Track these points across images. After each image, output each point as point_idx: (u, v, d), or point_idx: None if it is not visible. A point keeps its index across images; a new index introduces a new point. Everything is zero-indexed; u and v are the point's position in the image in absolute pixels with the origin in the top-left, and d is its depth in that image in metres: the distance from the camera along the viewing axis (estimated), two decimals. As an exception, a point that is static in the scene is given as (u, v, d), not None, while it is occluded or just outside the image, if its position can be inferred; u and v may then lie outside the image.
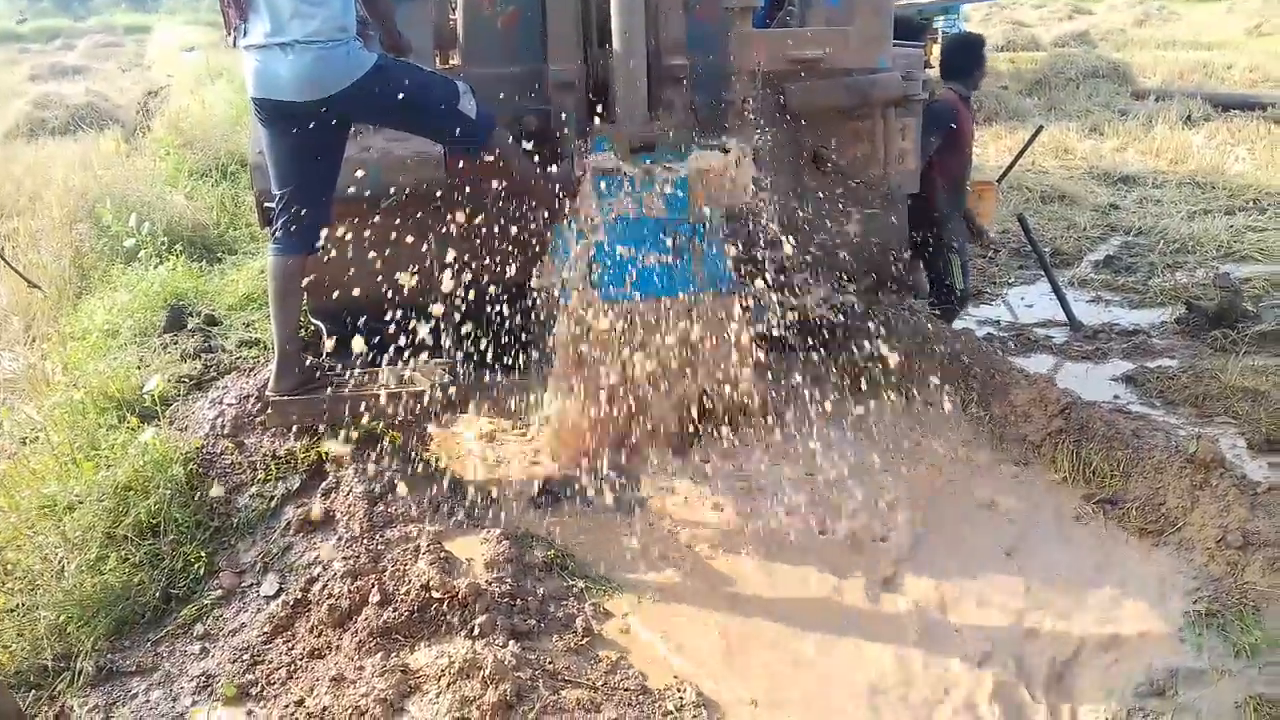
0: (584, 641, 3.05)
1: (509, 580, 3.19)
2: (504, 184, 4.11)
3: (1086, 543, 3.52)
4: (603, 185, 4.06)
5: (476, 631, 2.95)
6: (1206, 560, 3.26)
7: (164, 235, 6.38)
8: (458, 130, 3.75)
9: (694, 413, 4.21)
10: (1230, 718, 2.66)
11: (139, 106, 13.58)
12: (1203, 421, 4.60)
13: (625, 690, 2.85)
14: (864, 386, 4.73)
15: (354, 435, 3.84)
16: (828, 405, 4.59)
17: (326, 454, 3.83)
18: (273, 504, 3.70)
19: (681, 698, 2.84)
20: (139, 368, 4.57)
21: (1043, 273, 6.46)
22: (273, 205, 3.75)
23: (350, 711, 2.70)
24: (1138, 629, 3.07)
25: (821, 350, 4.89)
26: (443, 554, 3.25)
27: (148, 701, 3.01)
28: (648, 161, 4.09)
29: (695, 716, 2.78)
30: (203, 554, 3.49)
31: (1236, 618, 2.97)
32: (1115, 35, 20.97)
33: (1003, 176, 7.40)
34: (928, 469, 4.03)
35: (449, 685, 2.73)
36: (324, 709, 2.75)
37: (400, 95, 3.63)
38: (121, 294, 5.64)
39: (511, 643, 2.90)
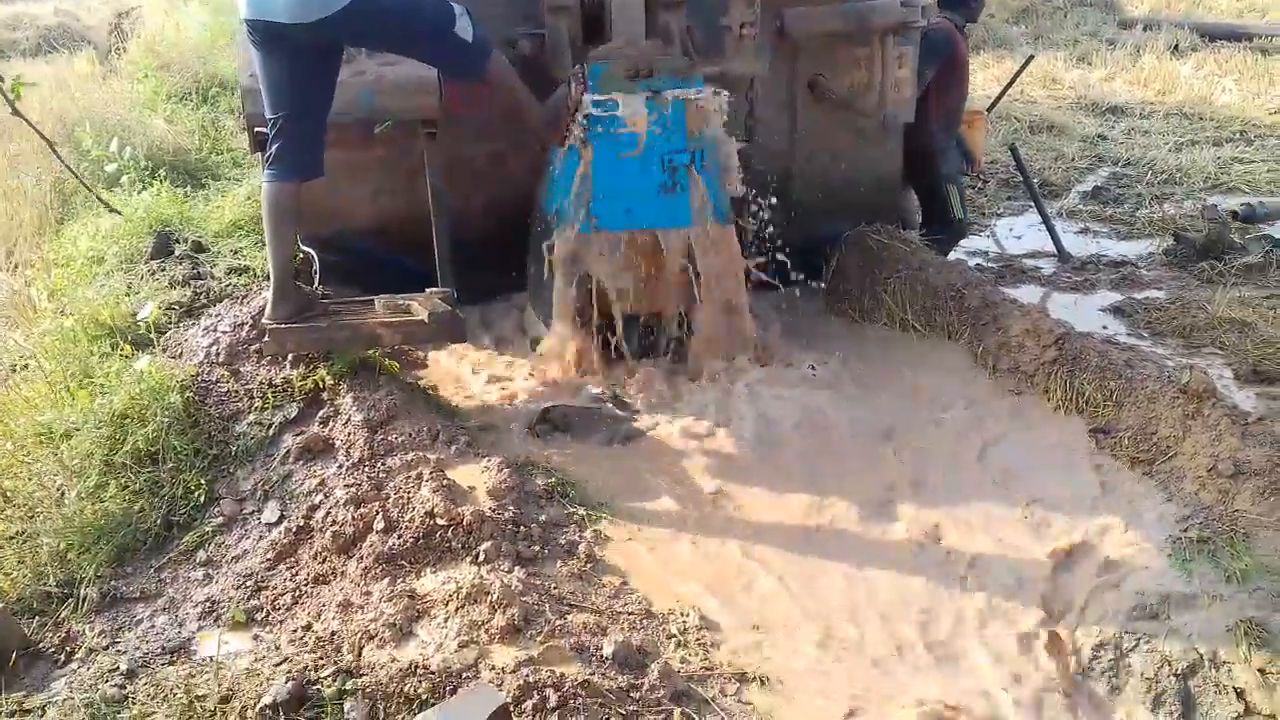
0: (587, 567, 3.09)
1: (511, 507, 3.21)
2: (500, 109, 4.06)
3: (1079, 471, 3.57)
4: (599, 112, 4.02)
5: (482, 558, 2.98)
6: (1197, 488, 3.31)
7: (146, 160, 6.27)
8: (454, 54, 3.68)
9: (690, 342, 4.23)
10: (1221, 640, 2.72)
11: (111, 27, 13.24)
12: (1190, 352, 4.65)
13: (629, 614, 2.89)
14: (858, 316, 4.76)
15: (353, 363, 3.83)
16: (822, 335, 4.64)
17: (323, 382, 3.82)
18: (271, 432, 3.70)
19: (685, 620, 2.89)
20: (127, 294, 4.52)
21: (1031, 203, 6.47)
22: (265, 130, 3.69)
23: (359, 635, 2.73)
24: (1130, 555, 3.12)
25: (815, 280, 4.91)
26: (445, 481, 3.26)
27: (153, 627, 3.02)
28: (645, 88, 4.03)
29: (699, 639, 2.82)
30: (202, 481, 3.50)
31: (1227, 544, 3.03)
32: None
33: (992, 106, 7.35)
34: (923, 398, 4.07)
35: (457, 610, 2.76)
36: (332, 633, 2.78)
37: (395, 17, 3.56)
38: (104, 220, 5.55)
39: (517, 568, 2.93)
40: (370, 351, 3.94)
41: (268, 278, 4.33)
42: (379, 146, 4.29)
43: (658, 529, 3.36)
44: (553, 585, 2.95)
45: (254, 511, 3.44)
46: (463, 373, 4.29)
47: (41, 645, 2.93)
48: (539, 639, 2.67)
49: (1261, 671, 2.64)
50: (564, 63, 4.19)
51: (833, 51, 4.65)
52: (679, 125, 4.02)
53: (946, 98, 5.31)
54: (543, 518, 3.26)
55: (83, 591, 3.11)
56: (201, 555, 3.28)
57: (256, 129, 3.94)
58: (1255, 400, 4.04)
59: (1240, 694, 2.61)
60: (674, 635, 2.84)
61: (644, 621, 2.88)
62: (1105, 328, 4.96)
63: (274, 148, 3.59)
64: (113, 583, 3.17)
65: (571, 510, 3.37)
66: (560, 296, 4.14)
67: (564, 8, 4.22)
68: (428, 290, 3.92)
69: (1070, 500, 3.43)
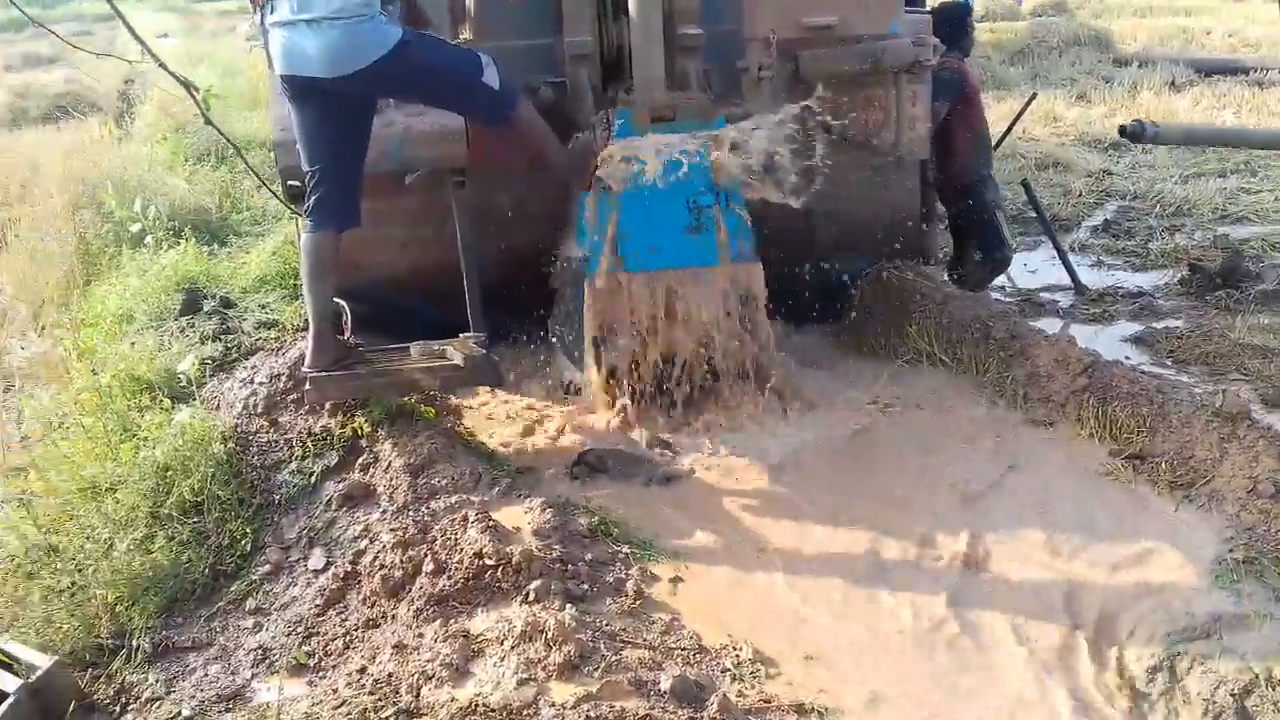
0: (636, 604, 3.11)
1: (558, 546, 3.23)
2: (525, 156, 4.14)
3: (1117, 498, 3.59)
4: (625, 157, 4.09)
5: (532, 596, 2.99)
6: (1238, 510, 3.33)
7: (169, 220, 6.35)
8: (483, 102, 3.77)
9: (721, 382, 4.27)
10: (1275, 659, 2.73)
11: (119, 94, 13.46)
12: (1215, 379, 4.67)
13: (682, 649, 2.90)
14: (883, 353, 4.80)
15: (389, 410, 3.87)
16: (849, 371, 4.67)
17: (361, 429, 3.86)
18: (312, 480, 3.73)
19: (738, 655, 2.90)
20: (160, 351, 4.57)
21: (1044, 238, 6.53)
22: (301, 183, 3.76)
23: (417, 676, 2.74)
24: (1175, 578, 3.14)
25: (840, 317, 4.96)
26: (491, 523, 3.28)
27: (207, 675, 3.04)
28: (668, 131, 4.11)
29: (753, 672, 2.83)
30: (248, 531, 3.53)
31: (1273, 564, 3.05)
32: (1092, 2, 21.01)
33: (998, 144, 7.43)
34: (956, 431, 4.09)
35: (512, 648, 2.77)
36: (389, 675, 2.80)
37: (426, 69, 3.65)
38: (133, 279, 5.62)
39: (568, 606, 2.94)
40: (406, 398, 3.98)
41: (301, 329, 4.40)
42: (407, 197, 4.36)
43: (703, 565, 3.37)
44: (604, 622, 2.96)
45: (300, 559, 3.46)
46: (497, 417, 4.32)
47: (96, 697, 2.95)
48: (597, 675, 2.68)
49: (1318, 688, 2.64)
50: (586, 109, 4.27)
51: (848, 91, 4.74)
52: (703, 166, 4.08)
53: (969, 130, 5.40)
54: (589, 556, 3.27)
55: (134, 642, 3.13)
56: (250, 603, 3.31)
57: (290, 182, 4.01)
58: (1287, 423, 4.06)
59: (1299, 711, 2.62)
60: (728, 669, 2.85)
61: (697, 656, 2.89)
62: (1128, 358, 4.98)
63: (313, 199, 3.66)
64: (164, 633, 3.19)
65: (616, 549, 3.39)
66: (590, 339, 4.18)
67: (585, 56, 4.31)
68: (462, 335, 3.97)
69: (1111, 526, 3.45)
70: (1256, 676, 2.71)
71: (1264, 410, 4.26)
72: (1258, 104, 10.63)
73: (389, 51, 3.53)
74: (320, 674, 2.97)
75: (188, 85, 2.49)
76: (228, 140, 2.82)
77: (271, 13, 3.56)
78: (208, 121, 2.43)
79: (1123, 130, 5.38)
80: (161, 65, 1.97)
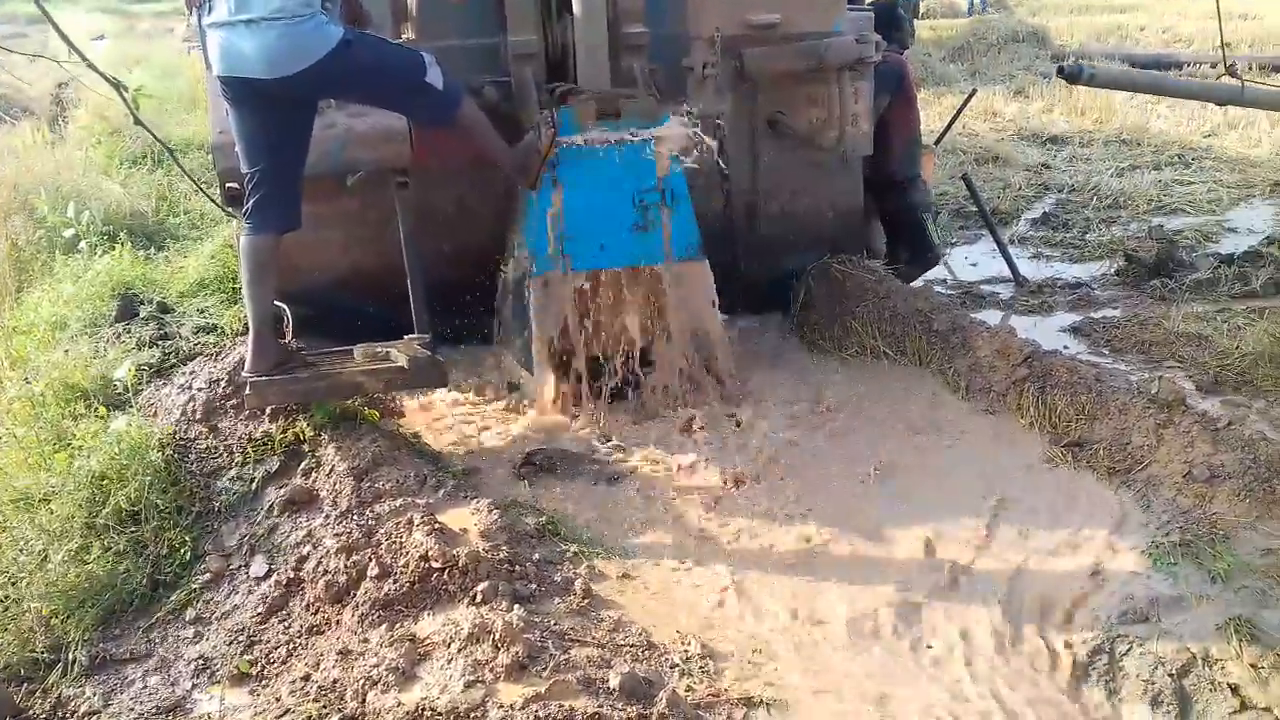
0: (584, 603, 3.09)
1: (505, 547, 3.20)
2: (469, 155, 4.11)
3: (1057, 485, 3.65)
4: (569, 155, 4.08)
5: (479, 598, 2.96)
6: (1174, 494, 3.40)
7: (104, 224, 6.23)
8: (426, 103, 3.74)
9: (669, 379, 4.27)
10: (1212, 638, 2.78)
11: (52, 97, 13.18)
12: (1150, 367, 4.75)
13: (631, 646, 2.89)
14: (828, 346, 4.84)
15: (332, 414, 3.83)
16: (794, 365, 4.70)
17: (303, 434, 3.81)
18: (253, 486, 3.66)
19: (686, 650, 2.90)
20: (96, 358, 4.48)
21: (984, 231, 6.62)
22: (237, 186, 3.70)
23: (362, 681, 2.70)
24: (1114, 562, 3.19)
25: (785, 313, 4.99)
26: (437, 525, 3.25)
27: (146, 687, 2.98)
28: (613, 129, 4.11)
29: (702, 667, 2.83)
30: (187, 539, 3.46)
31: (1208, 546, 3.11)
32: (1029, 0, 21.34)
33: (939, 140, 7.52)
34: (901, 422, 4.13)
35: (460, 650, 2.74)
36: (334, 682, 2.76)
37: (368, 69, 3.61)
38: (66, 285, 5.50)
39: (516, 607, 2.92)
40: (349, 401, 3.94)
41: (241, 333, 4.33)
42: (349, 198, 4.31)
43: (650, 562, 3.37)
44: (553, 622, 2.95)
45: (241, 566, 3.40)
46: (443, 418, 4.28)
47: (32, 712, 2.88)
48: (545, 675, 2.66)
49: (1254, 667, 2.70)
50: (531, 109, 4.25)
51: (791, 89, 4.76)
52: (648, 163, 4.08)
53: (904, 129, 5.44)
54: (536, 556, 3.26)
55: (71, 656, 3.06)
56: (190, 613, 3.24)
57: (229, 185, 3.95)
58: (1220, 408, 4.14)
59: (1235, 690, 2.66)
60: (677, 665, 2.85)
61: (646, 653, 2.88)
62: (1066, 347, 5.05)
63: (252, 201, 3.60)
64: (101, 645, 3.12)
65: (564, 548, 3.37)
66: (537, 338, 4.16)
67: (529, 55, 4.29)
68: (406, 337, 3.92)
69: (1052, 513, 3.50)
70: (1194, 657, 2.76)
71: (1199, 397, 4.34)
72: (1190, 98, 10.84)
73: (330, 52, 3.47)
74: (263, 683, 2.91)
75: (117, 85, 2.44)
76: (159, 141, 2.77)
77: (208, 13, 3.50)
78: (137, 121, 2.38)
79: (1060, 70, 5.47)
80: (90, 65, 1.93)
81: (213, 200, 3.39)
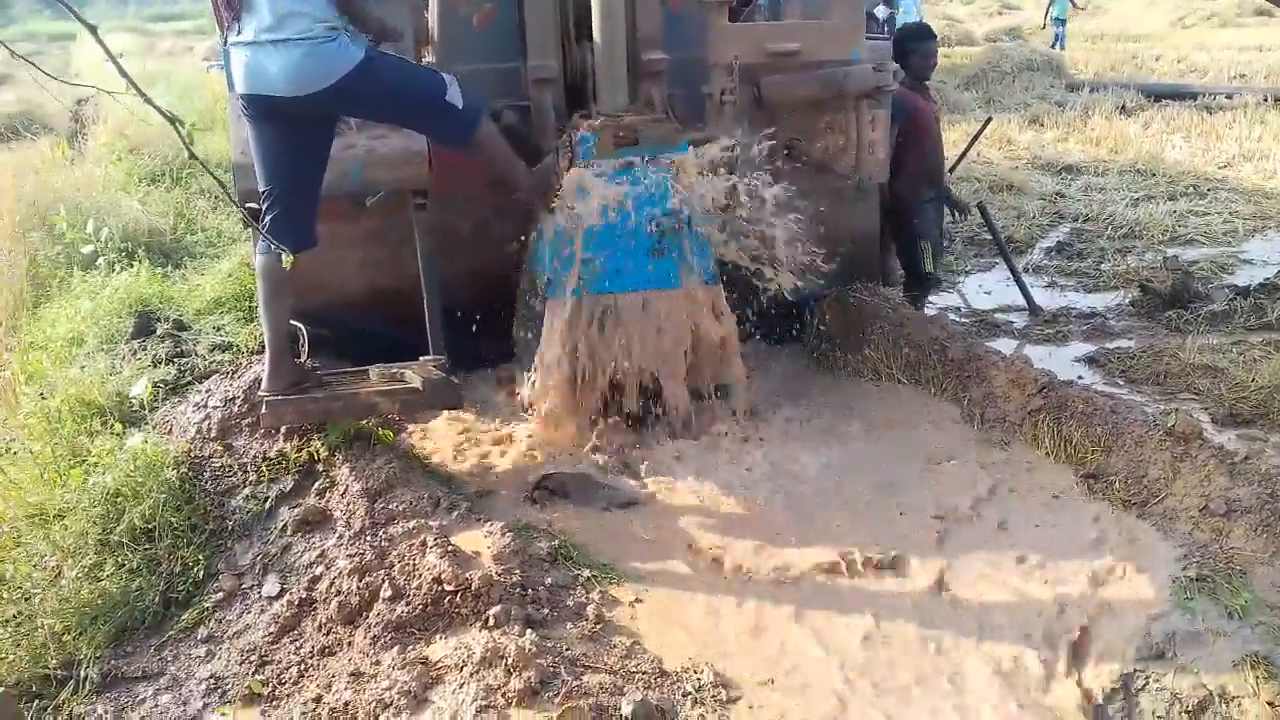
0: (597, 628, 3.08)
1: (517, 571, 3.20)
2: (488, 177, 4.13)
3: (1074, 516, 3.62)
4: (587, 179, 4.09)
5: (492, 622, 2.96)
6: (1191, 528, 3.38)
7: (123, 241, 6.27)
8: (446, 123, 3.76)
9: (685, 404, 4.26)
10: (1229, 675, 2.76)
11: (72, 114, 13.29)
12: (1166, 398, 4.74)
13: (643, 673, 2.88)
14: (844, 373, 4.83)
15: (346, 434, 3.83)
16: (810, 393, 4.69)
17: (318, 454, 3.81)
18: (267, 505, 3.68)
19: (699, 678, 2.88)
20: (112, 374, 4.50)
21: (999, 259, 6.62)
22: (258, 204, 3.72)
23: (374, 704, 2.70)
24: (1132, 596, 3.16)
25: (800, 339, 4.98)
26: (450, 548, 3.25)
27: (157, 706, 2.99)
28: (631, 155, 4.12)
29: (715, 696, 2.81)
30: (200, 557, 3.47)
31: (1225, 581, 3.08)
32: (1045, 30, 21.42)
33: (953, 168, 7.54)
34: (917, 451, 4.12)
35: (472, 675, 2.73)
36: (345, 704, 2.75)
37: (389, 88, 3.64)
38: (84, 301, 5.53)
39: (528, 631, 2.91)
40: (364, 422, 3.94)
41: (257, 352, 4.35)
42: (368, 219, 4.33)
43: (663, 589, 3.35)
44: (565, 647, 2.94)
45: (254, 585, 3.41)
46: (457, 440, 4.28)
47: (43, 729, 2.87)
48: (557, 700, 2.65)
49: (1270, 705, 2.67)
50: (549, 133, 4.27)
51: (810, 116, 4.77)
52: (665, 188, 4.09)
53: (910, 156, 5.45)
54: (549, 580, 3.24)
55: (83, 673, 3.07)
56: (202, 632, 3.25)
57: (248, 204, 3.97)
58: (1236, 441, 4.12)
59: (1253, 728, 2.64)
60: (689, 693, 2.83)
61: (658, 680, 2.87)
62: (1081, 377, 5.04)
63: (267, 219, 3.62)
64: (113, 663, 3.13)
65: (577, 572, 3.36)
66: (553, 362, 4.16)
67: (548, 80, 4.32)
68: (421, 358, 3.94)
69: (1069, 545, 3.47)
70: (1210, 694, 2.74)
71: (1214, 429, 4.33)
72: (1206, 128, 10.87)
73: (352, 70, 3.50)
74: (274, 704, 2.92)
75: (173, 120, 2.42)
76: (213, 175, 2.74)
77: (237, 34, 3.53)
78: (192, 156, 2.35)
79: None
80: (147, 100, 1.92)
81: (254, 226, 3.41)
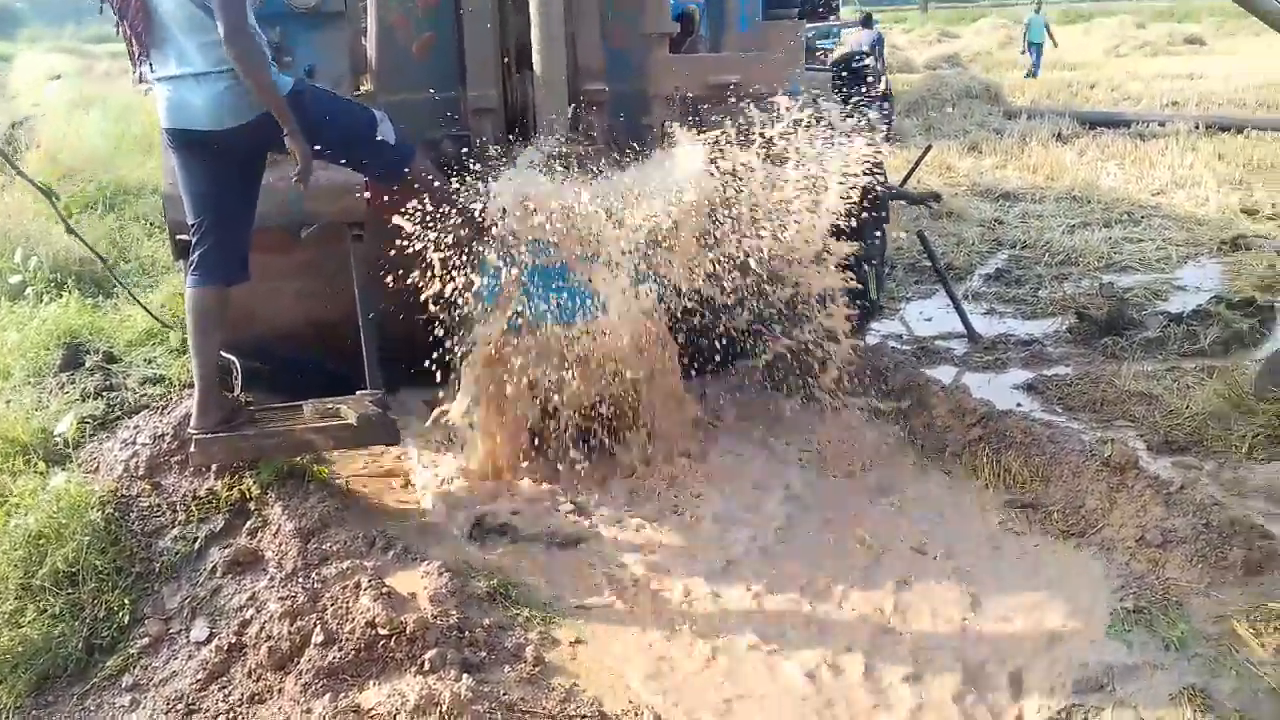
0: (535, 670, 3.03)
1: (454, 613, 3.14)
2: (423, 211, 4.07)
3: (1013, 546, 3.65)
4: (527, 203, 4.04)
5: (427, 667, 2.89)
6: (1128, 559, 3.41)
7: (52, 271, 6.11)
8: (377, 158, 3.71)
9: (627, 436, 4.23)
10: (1166, 708, 2.78)
11: (5, 137, 13.00)
12: (1102, 426, 4.79)
13: (583, 717, 2.84)
14: (789, 402, 4.82)
15: (280, 471, 3.75)
16: (758, 423, 4.67)
17: (250, 492, 3.72)
18: (196, 546, 3.58)
19: (640, 721, 2.84)
20: (38, 409, 4.37)
21: (939, 286, 6.68)
22: (187, 237, 3.64)
23: (304, 756, 2.62)
24: (1070, 627, 3.18)
25: (746, 368, 4.97)
26: (385, 589, 3.17)
27: (78, 759, 2.87)
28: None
29: (656, 739, 2.78)
30: (126, 601, 3.36)
31: (1162, 613, 3.11)
32: (983, 57, 21.87)
33: (894, 194, 7.62)
34: (860, 482, 4.12)
35: (406, 723, 2.67)
36: (274, 755, 2.67)
37: (317, 121, 3.57)
38: (10, 333, 5.37)
39: (465, 676, 2.85)
40: (299, 458, 3.86)
41: (189, 386, 4.23)
42: (302, 250, 4.25)
43: (605, 628, 3.31)
44: (502, 691, 2.88)
45: (182, 630, 3.30)
46: (393, 476, 4.20)
47: (-44, 787, 2.75)
48: (493, 749, 2.60)
49: (1207, 737, 2.69)
50: (488, 164, 4.23)
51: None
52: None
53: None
54: (487, 621, 3.19)
55: (1, 725, 2.94)
56: (127, 679, 3.14)
57: (178, 236, 3.88)
58: (1171, 469, 4.17)
59: (1190, 761, 2.66)
60: (629, 736, 2.79)
61: (598, 724, 2.82)
62: (1020, 405, 5.08)
63: (197, 253, 3.54)
64: (34, 713, 3.02)
65: (516, 612, 3.31)
66: (486, 395, 4.10)
67: (488, 110, 4.28)
68: (358, 393, 3.86)
69: (1008, 576, 3.49)
70: (1148, 727, 2.75)
71: (1150, 457, 4.38)
72: (1139, 155, 11.11)
73: None
74: (202, 754, 2.82)
75: (48, 193, 2.35)
76: (92, 250, 2.63)
77: (153, 68, 3.46)
78: (70, 230, 2.27)
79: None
80: (20, 173, 1.84)
81: (122, 285, 3.30)
